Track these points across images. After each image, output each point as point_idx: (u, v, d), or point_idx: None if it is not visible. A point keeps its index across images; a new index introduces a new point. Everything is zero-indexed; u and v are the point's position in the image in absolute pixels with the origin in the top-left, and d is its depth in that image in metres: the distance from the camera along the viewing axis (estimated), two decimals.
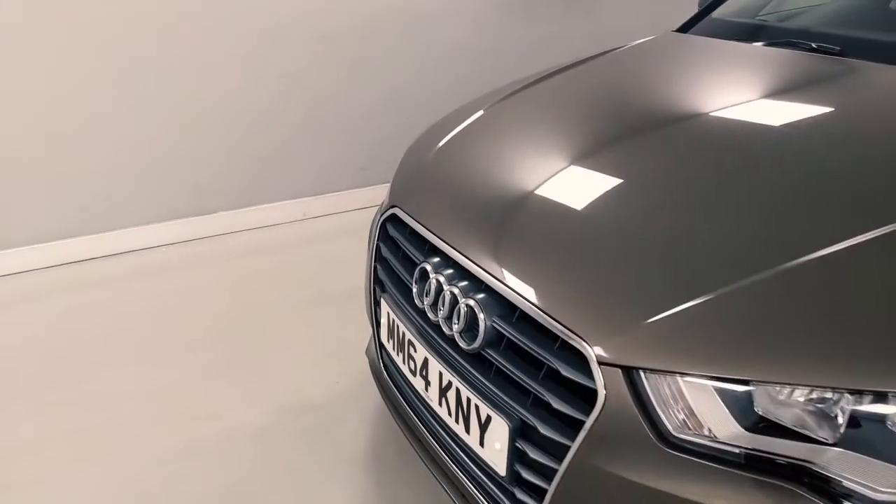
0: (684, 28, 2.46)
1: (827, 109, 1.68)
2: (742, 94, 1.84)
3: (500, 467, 1.33)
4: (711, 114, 1.74)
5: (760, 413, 1.06)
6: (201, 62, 3.21)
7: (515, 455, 1.30)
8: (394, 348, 1.71)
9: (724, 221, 1.31)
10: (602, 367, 1.14)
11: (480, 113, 2.00)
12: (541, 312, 1.25)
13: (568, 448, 1.18)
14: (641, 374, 1.11)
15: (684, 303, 1.13)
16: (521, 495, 1.31)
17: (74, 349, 2.58)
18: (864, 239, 1.15)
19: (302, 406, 2.29)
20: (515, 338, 1.30)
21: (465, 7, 3.88)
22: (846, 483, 1.00)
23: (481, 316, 1.36)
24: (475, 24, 3.91)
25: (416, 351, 1.57)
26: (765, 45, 2.05)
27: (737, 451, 1.05)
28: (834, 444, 1.02)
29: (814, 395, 1.03)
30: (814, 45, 1.91)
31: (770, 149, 1.53)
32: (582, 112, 1.92)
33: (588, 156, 1.64)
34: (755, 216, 1.30)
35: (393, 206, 1.79)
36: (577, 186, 1.52)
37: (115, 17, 2.97)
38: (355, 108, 3.68)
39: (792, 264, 1.14)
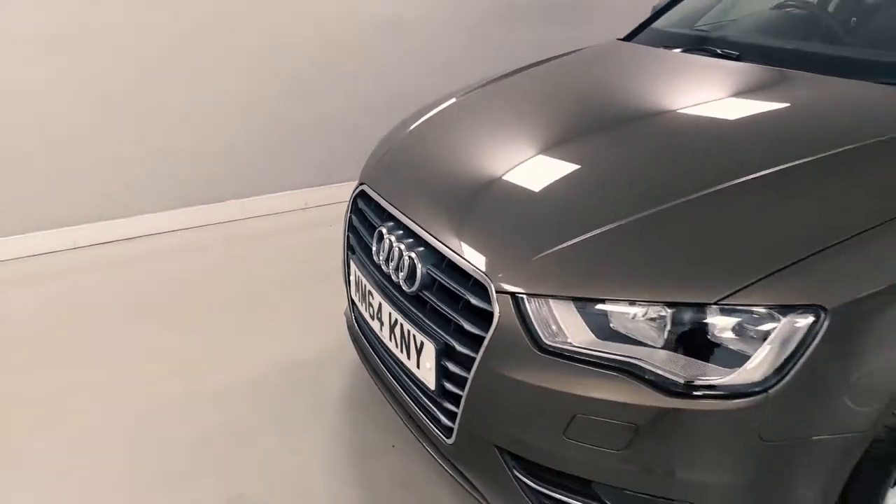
0: (629, 37, 2.81)
1: (720, 102, 2.02)
2: (662, 92, 2.19)
3: (431, 382, 1.69)
4: (634, 108, 2.10)
5: (610, 325, 1.41)
6: (214, 66, 3.60)
7: (441, 371, 1.66)
8: (359, 300, 2.08)
9: (607, 189, 1.66)
10: (498, 294, 1.49)
11: (440, 108, 2.36)
12: (461, 259, 1.61)
13: (474, 359, 1.53)
14: (524, 298, 1.47)
15: (557, 245, 1.49)
16: (446, 404, 1.67)
17: (96, 318, 2.97)
18: (695, 196, 1.50)
19: (291, 362, 2.66)
20: (443, 280, 1.66)
21: (462, 17, 4.26)
22: (666, 375, 1.34)
23: (419, 265, 1.72)
24: (470, 33, 4.29)
25: (373, 298, 1.94)
26: (683, 52, 2.40)
27: (589, 353, 1.40)
28: (661, 347, 1.37)
29: (648, 310, 1.37)
30: (719, 52, 2.26)
31: (666, 134, 1.88)
32: (522, 105, 2.28)
33: (519, 139, 1.99)
34: (634, 184, 1.65)
35: (362, 184, 2.15)
36: (500, 164, 1.87)
37: (143, 24, 3.38)
38: (356, 108, 4.05)
39: (640, 215, 1.49)
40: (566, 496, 1.51)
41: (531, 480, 1.54)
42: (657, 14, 2.85)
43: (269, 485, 2.09)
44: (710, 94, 2.07)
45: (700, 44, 2.38)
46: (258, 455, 2.21)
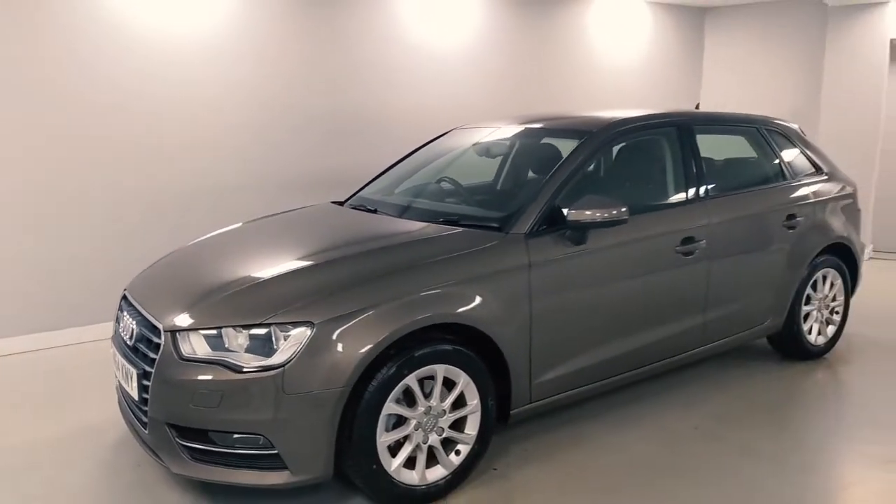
0: (343, 202, 4.18)
1: (349, 233, 3.36)
2: (324, 230, 3.52)
3: (136, 394, 2.78)
4: (310, 235, 3.41)
5: (223, 343, 2.58)
6: (37, 217, 4.78)
7: (140, 386, 2.75)
8: (114, 365, 3.17)
9: (245, 273, 2.89)
10: (164, 333, 2.66)
11: (191, 243, 3.62)
12: (154, 319, 2.78)
13: (152, 372, 2.66)
14: (176, 333, 2.64)
15: (199, 303, 2.70)
16: (143, 406, 2.74)
17: None
18: (289, 270, 2.77)
19: (87, 428, 3.63)
20: (145, 333, 2.81)
21: (263, 185, 5.64)
22: (238, 363, 2.52)
23: (135, 328, 2.88)
24: (266, 196, 5.66)
25: (117, 357, 3.03)
26: (352, 209, 3.78)
27: (205, 358, 2.56)
28: (244, 351, 2.55)
29: (238, 332, 2.56)
30: (375, 210, 3.65)
31: (311, 247, 3.16)
32: (240, 239, 3.56)
33: (225, 256, 3.24)
34: (267, 269, 2.90)
35: (125, 290, 3.32)
36: (202, 267, 3.10)
37: None
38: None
39: (249, 284, 2.73)
40: (200, 445, 2.60)
41: (183, 440, 2.63)
42: (363, 186, 4.27)
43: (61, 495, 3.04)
44: (348, 230, 3.44)
45: (361, 203, 3.80)
46: (54, 478, 3.15)
